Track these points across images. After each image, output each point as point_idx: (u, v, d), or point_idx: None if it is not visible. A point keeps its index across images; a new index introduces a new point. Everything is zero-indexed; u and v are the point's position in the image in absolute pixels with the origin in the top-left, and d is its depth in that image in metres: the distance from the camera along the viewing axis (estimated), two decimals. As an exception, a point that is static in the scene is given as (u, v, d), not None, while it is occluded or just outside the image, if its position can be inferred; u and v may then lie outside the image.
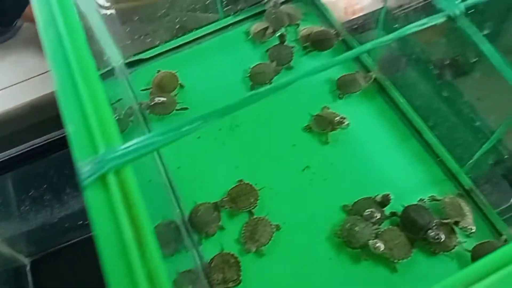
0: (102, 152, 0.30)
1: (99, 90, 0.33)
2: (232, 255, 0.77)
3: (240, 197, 0.83)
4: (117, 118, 0.94)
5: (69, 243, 1.30)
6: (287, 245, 0.78)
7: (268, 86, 0.37)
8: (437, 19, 0.39)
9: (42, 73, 1.18)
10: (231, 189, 0.84)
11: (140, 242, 0.26)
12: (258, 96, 0.36)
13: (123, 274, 0.25)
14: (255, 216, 0.81)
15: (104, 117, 0.31)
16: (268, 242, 0.77)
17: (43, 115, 1.13)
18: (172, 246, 0.78)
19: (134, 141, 0.31)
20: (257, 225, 0.78)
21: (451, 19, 0.40)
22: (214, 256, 0.78)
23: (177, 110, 0.97)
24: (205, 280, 0.76)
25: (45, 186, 1.23)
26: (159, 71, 1.03)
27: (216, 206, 0.83)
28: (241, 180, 0.85)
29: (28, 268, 1.29)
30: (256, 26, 1.07)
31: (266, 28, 1.05)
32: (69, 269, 1.27)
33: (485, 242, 0.71)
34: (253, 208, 0.82)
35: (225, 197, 0.83)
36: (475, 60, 0.78)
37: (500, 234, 0.73)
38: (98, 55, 1.04)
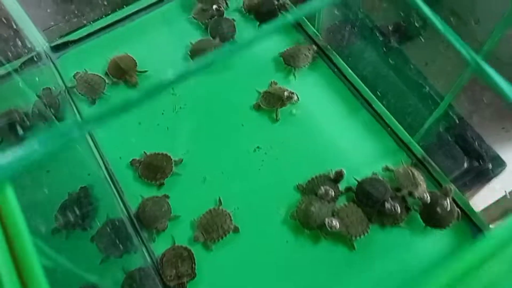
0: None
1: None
2: (185, 248, 0.73)
3: (152, 166, 0.79)
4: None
5: None
6: (242, 232, 0.74)
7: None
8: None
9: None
10: (149, 155, 0.81)
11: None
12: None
13: None
14: (221, 208, 0.76)
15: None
16: (218, 241, 0.73)
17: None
18: (119, 246, 0.72)
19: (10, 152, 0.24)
20: (217, 218, 0.74)
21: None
22: (166, 251, 0.73)
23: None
24: (157, 277, 0.71)
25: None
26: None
27: (165, 199, 0.77)
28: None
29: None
30: (198, 8, 0.98)
31: (208, 8, 0.98)
32: None
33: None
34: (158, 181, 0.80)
35: (141, 159, 0.80)
36: (419, 24, 0.76)
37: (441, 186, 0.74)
38: (19, 40, 0.94)
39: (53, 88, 0.92)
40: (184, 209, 0.78)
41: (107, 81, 0.91)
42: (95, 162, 0.83)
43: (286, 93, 0.84)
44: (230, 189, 0.78)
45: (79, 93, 0.90)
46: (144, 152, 0.82)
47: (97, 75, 0.91)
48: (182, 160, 0.81)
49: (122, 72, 0.89)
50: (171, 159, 0.80)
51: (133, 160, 0.81)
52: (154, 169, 0.79)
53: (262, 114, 0.86)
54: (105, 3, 1.01)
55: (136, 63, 0.91)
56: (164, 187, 0.80)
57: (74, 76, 0.91)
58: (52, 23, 1.00)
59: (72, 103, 0.91)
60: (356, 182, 0.75)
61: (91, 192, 0.80)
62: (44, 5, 1.02)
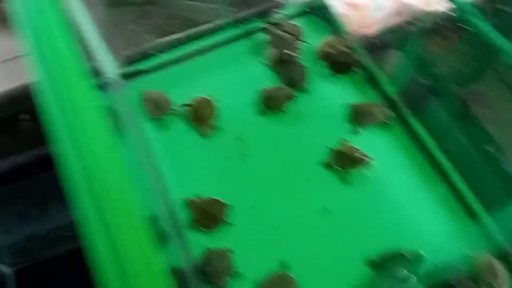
0: None
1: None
2: (245, 311, 0.71)
3: (205, 212, 0.78)
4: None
5: (56, 254, 1.24)
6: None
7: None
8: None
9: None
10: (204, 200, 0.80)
11: None
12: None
13: None
14: (287, 273, 0.73)
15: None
16: None
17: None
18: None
19: None
20: (283, 285, 0.71)
21: None
22: (225, 312, 0.71)
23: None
24: None
25: (31, 200, 1.16)
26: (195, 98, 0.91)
27: (229, 253, 0.76)
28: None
29: (12, 277, 1.23)
30: (269, 51, 0.97)
31: (279, 53, 0.96)
32: (55, 280, 1.22)
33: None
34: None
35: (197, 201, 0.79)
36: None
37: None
38: (90, 65, 0.94)
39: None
40: (244, 265, 0.76)
41: (176, 108, 0.90)
42: (158, 205, 0.83)
43: (359, 155, 0.81)
44: (294, 252, 0.76)
45: (147, 110, 0.90)
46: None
47: (165, 96, 0.91)
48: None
49: (198, 119, 0.88)
50: (225, 208, 0.79)
51: (191, 200, 0.80)
52: (206, 215, 0.78)
53: (331, 173, 0.84)
54: (178, 37, 1.01)
55: (214, 113, 0.89)
56: (223, 240, 0.78)
57: (143, 95, 0.92)
58: (127, 52, 1.00)
59: (137, 127, 0.91)
60: (434, 268, 0.71)
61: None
62: (118, 32, 1.03)
